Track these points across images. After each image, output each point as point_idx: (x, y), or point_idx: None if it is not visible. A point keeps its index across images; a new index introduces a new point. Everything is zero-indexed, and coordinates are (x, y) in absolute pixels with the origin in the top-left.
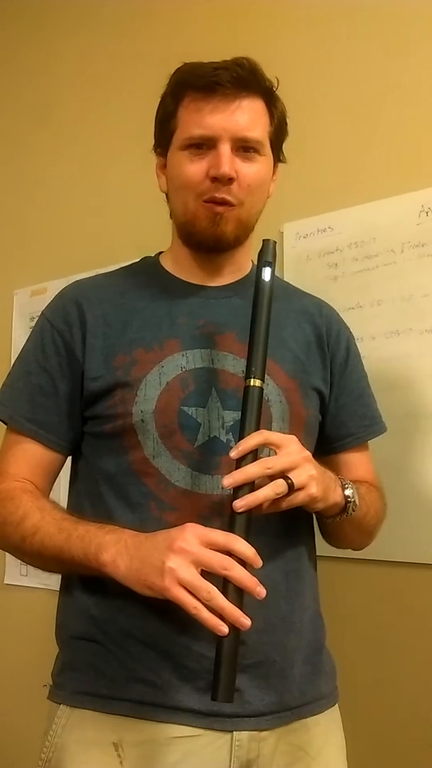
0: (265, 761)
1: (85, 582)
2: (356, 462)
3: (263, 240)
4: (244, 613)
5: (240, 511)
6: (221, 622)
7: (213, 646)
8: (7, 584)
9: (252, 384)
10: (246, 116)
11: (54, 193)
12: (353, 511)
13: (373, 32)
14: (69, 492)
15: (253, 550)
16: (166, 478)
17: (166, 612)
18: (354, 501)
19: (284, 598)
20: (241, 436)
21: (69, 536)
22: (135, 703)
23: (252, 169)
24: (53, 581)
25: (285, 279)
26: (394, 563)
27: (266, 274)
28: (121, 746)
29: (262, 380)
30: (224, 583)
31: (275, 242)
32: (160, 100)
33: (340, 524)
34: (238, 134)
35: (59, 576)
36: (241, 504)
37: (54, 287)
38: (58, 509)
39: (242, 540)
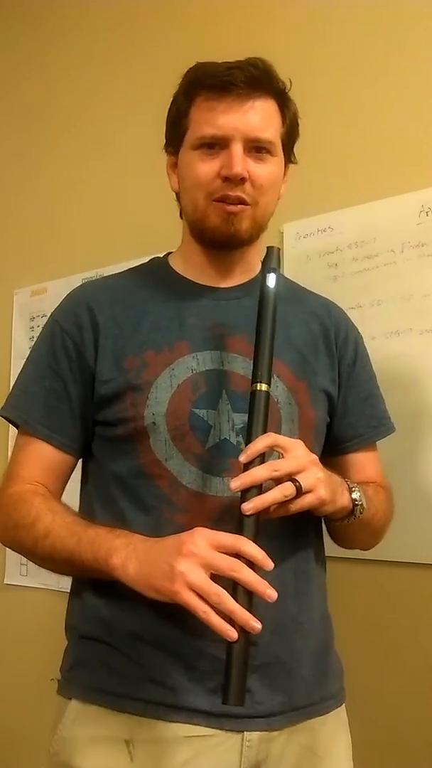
0: (274, 761)
1: (94, 584)
2: (364, 463)
3: (267, 247)
4: (254, 616)
5: (248, 513)
6: (230, 627)
7: (224, 648)
8: (7, 584)
9: (258, 388)
10: (259, 116)
11: (54, 193)
12: (360, 513)
13: (373, 31)
14: (80, 494)
15: (263, 552)
16: (178, 480)
17: (177, 613)
18: (361, 504)
19: (293, 599)
20: (248, 439)
21: (79, 540)
22: (146, 702)
23: (264, 170)
24: (53, 581)
25: None
26: (396, 563)
27: (270, 280)
28: (132, 743)
29: (269, 384)
30: (234, 586)
31: (279, 249)
32: (172, 99)
33: (349, 527)
34: (251, 135)
35: (59, 576)
36: (249, 506)
37: (54, 287)
38: (70, 512)
39: (251, 542)
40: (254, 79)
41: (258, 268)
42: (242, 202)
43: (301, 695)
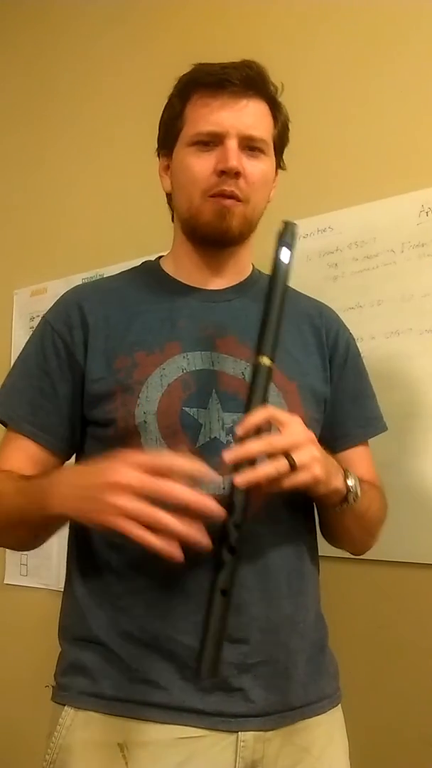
0: (270, 762)
1: (87, 584)
2: (354, 461)
3: (283, 221)
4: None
5: (240, 487)
6: (174, 546)
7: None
8: (7, 584)
9: (261, 362)
10: (253, 115)
11: (54, 193)
12: (354, 500)
13: (372, 31)
14: None
15: (203, 464)
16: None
17: (169, 612)
18: (355, 492)
19: (287, 598)
20: (247, 413)
21: (23, 494)
22: (139, 704)
23: (257, 168)
24: (53, 581)
25: None
26: (394, 563)
27: (284, 255)
28: (126, 747)
29: (272, 359)
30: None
31: (296, 224)
32: (166, 102)
33: (341, 517)
34: (245, 132)
35: (59, 576)
36: (240, 479)
37: (54, 287)
38: (26, 476)
39: (183, 458)
40: (249, 78)
41: (249, 270)
42: (235, 197)
43: (297, 695)
